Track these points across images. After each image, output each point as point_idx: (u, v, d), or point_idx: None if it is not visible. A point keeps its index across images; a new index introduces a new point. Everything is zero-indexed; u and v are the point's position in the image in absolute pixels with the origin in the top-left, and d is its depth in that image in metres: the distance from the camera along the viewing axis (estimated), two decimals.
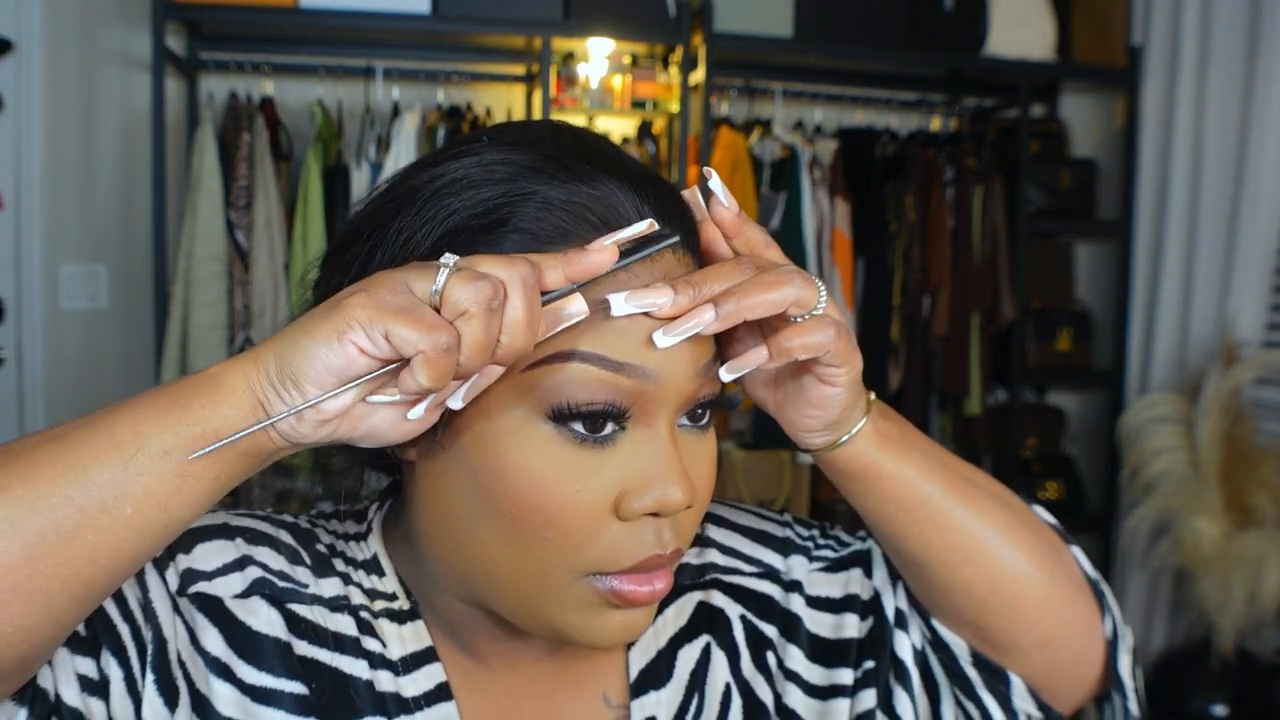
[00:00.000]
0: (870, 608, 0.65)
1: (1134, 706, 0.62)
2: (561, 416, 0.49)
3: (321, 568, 0.59)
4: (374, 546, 0.61)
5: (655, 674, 0.63)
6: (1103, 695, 0.63)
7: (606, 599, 0.52)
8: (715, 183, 0.54)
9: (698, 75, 2.77)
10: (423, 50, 2.86)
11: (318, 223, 2.59)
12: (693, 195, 0.55)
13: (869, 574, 0.66)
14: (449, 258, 0.45)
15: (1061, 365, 3.14)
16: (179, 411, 0.45)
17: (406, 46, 2.86)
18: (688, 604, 0.65)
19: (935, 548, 0.58)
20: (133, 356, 2.80)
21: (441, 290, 0.44)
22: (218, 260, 2.54)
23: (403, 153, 2.60)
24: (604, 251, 0.47)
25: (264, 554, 0.58)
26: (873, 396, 0.57)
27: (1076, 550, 0.63)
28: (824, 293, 0.51)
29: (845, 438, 0.56)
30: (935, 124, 3.19)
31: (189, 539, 0.57)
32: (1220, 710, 2.50)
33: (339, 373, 0.44)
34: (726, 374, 0.52)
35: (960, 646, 0.61)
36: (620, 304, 0.49)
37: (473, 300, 0.43)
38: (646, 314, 0.49)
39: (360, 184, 2.64)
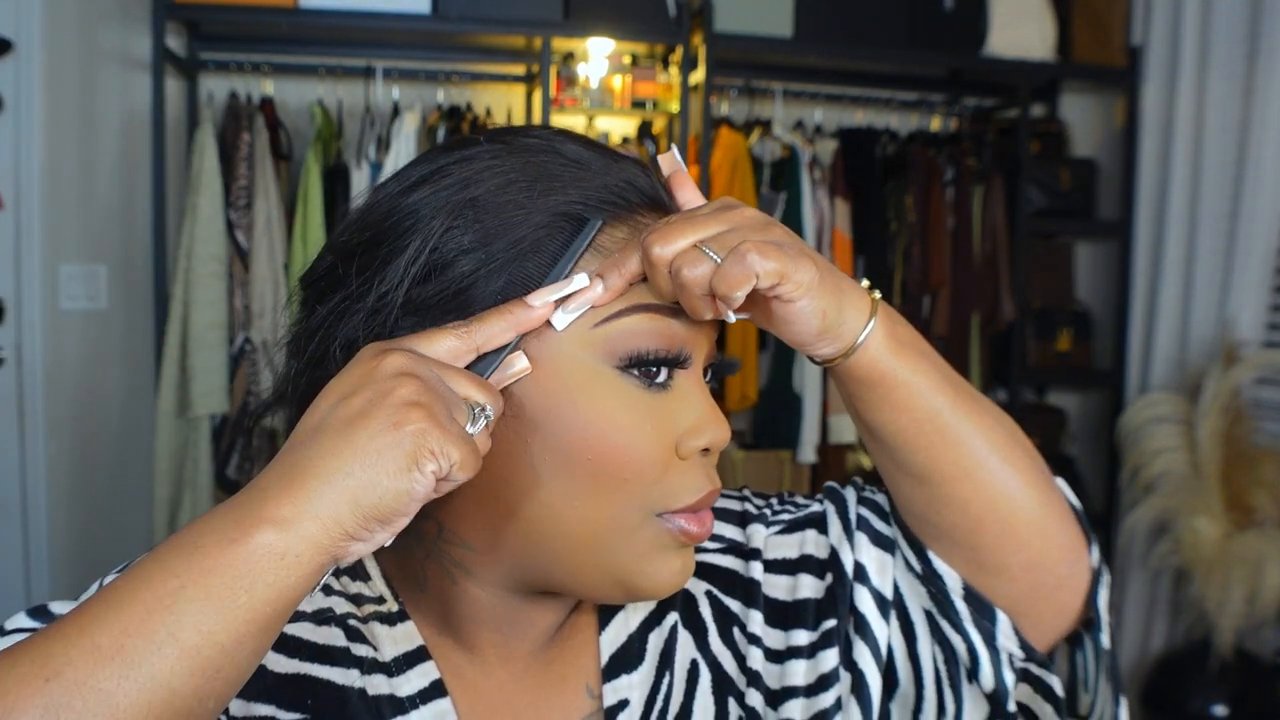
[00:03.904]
0: (828, 565, 0.66)
1: (1105, 639, 0.61)
2: (634, 363, 0.54)
3: None
4: None
5: (626, 658, 0.64)
6: (1076, 638, 0.63)
7: (675, 538, 0.56)
8: (664, 160, 0.59)
9: (698, 75, 2.77)
10: (423, 50, 2.86)
11: (318, 223, 2.59)
12: (671, 156, 0.59)
13: (824, 532, 0.67)
14: (489, 409, 0.50)
15: (1061, 365, 3.14)
16: (245, 597, 0.43)
17: (406, 46, 2.86)
18: None
19: (940, 461, 0.58)
20: (133, 356, 2.80)
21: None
22: (218, 260, 2.54)
23: (403, 152, 2.60)
24: (545, 307, 0.52)
25: None
26: (877, 296, 0.56)
27: (1061, 481, 0.64)
28: (736, 225, 0.52)
29: (860, 339, 0.55)
30: (935, 124, 3.19)
31: None
32: (1220, 710, 2.50)
33: (424, 498, 0.47)
34: (561, 323, 0.53)
35: (953, 579, 0.61)
36: (561, 318, 0.53)
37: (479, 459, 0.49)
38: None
39: (360, 184, 2.64)
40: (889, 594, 0.64)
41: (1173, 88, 2.85)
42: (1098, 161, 3.18)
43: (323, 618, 0.58)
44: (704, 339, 0.57)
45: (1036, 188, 3.07)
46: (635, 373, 0.54)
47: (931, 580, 0.62)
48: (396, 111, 2.75)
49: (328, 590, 0.60)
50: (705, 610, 0.66)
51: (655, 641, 0.65)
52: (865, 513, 0.66)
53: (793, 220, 2.81)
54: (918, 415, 0.57)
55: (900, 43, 2.86)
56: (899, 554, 0.64)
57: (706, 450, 0.57)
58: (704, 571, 0.67)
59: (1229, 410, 2.51)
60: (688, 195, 0.58)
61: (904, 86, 3.16)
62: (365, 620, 0.59)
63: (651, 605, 0.66)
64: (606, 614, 0.65)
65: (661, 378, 0.55)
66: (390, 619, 0.60)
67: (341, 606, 0.59)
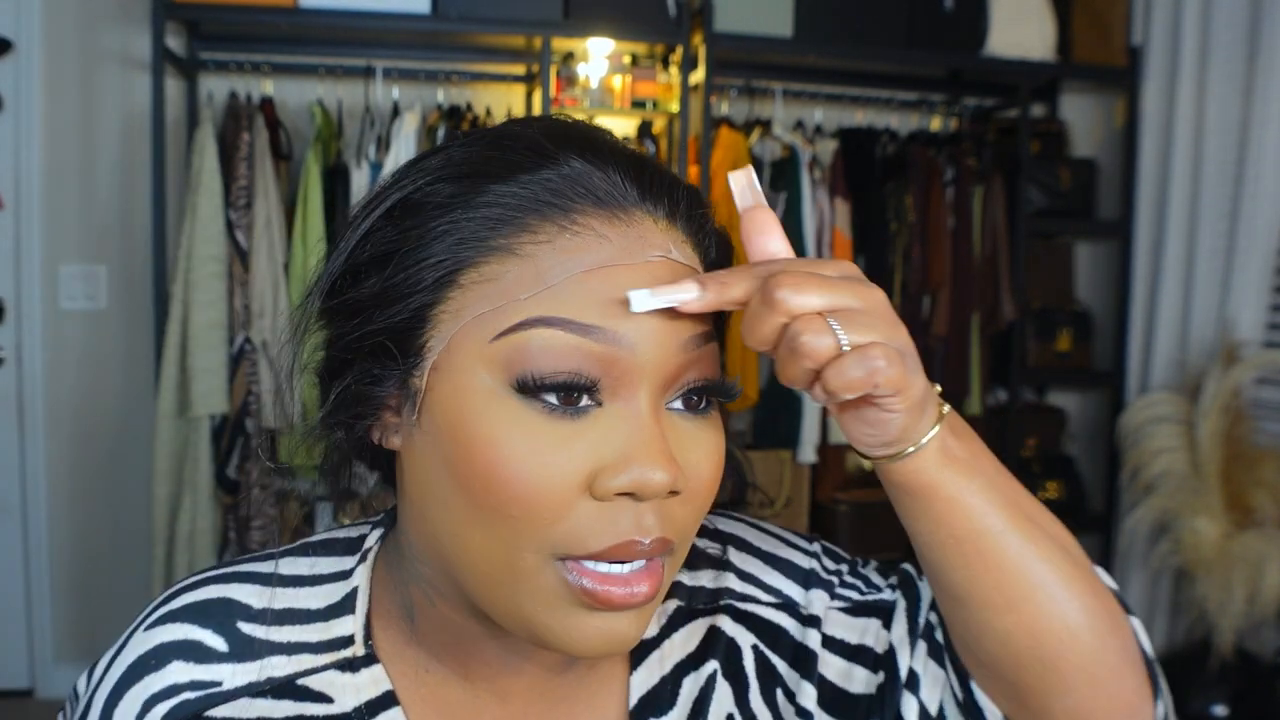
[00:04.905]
0: (882, 663, 0.60)
1: None
2: (527, 388, 0.47)
3: (243, 650, 0.55)
4: (356, 580, 0.58)
5: (657, 701, 0.60)
6: None
7: (578, 596, 0.48)
8: (735, 181, 0.51)
9: (698, 75, 2.77)
10: (423, 50, 2.86)
11: (318, 223, 2.59)
12: (747, 181, 0.51)
13: (887, 626, 0.61)
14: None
15: (1061, 365, 3.14)
16: None
17: (406, 46, 2.86)
18: (698, 629, 0.63)
19: (980, 586, 0.51)
20: (133, 356, 2.80)
21: None
22: (218, 260, 2.54)
23: (403, 152, 2.60)
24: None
25: (172, 672, 0.54)
26: (946, 409, 0.50)
27: (1135, 623, 0.56)
28: (867, 307, 0.46)
29: (910, 450, 0.49)
30: (935, 124, 3.19)
31: None
32: (1220, 710, 2.50)
33: None
34: (638, 303, 0.47)
35: (994, 715, 0.56)
36: (642, 299, 0.47)
37: None
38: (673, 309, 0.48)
39: (360, 184, 2.64)
40: (934, 711, 0.58)
41: (1173, 88, 2.85)
42: (1098, 161, 3.18)
43: (258, 689, 0.55)
44: (650, 363, 0.48)
45: (1036, 188, 3.07)
46: (551, 396, 0.47)
47: (971, 712, 0.57)
48: (396, 111, 2.75)
49: (275, 648, 0.56)
50: (749, 664, 0.62)
51: (690, 687, 0.61)
52: (934, 619, 0.60)
53: (793, 220, 2.81)
54: (958, 533, 0.51)
55: (900, 43, 2.86)
56: (949, 673, 0.58)
57: (633, 495, 0.48)
58: (752, 623, 0.63)
59: (1229, 410, 2.51)
60: (774, 245, 0.49)
61: (904, 86, 3.16)
62: (321, 670, 0.56)
63: (690, 647, 0.62)
64: (639, 652, 0.61)
65: (584, 402, 0.48)
66: (353, 665, 0.56)
67: (287, 667, 0.55)
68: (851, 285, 0.46)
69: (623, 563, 0.48)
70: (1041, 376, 3.19)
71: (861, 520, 2.91)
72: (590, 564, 0.48)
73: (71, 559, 2.84)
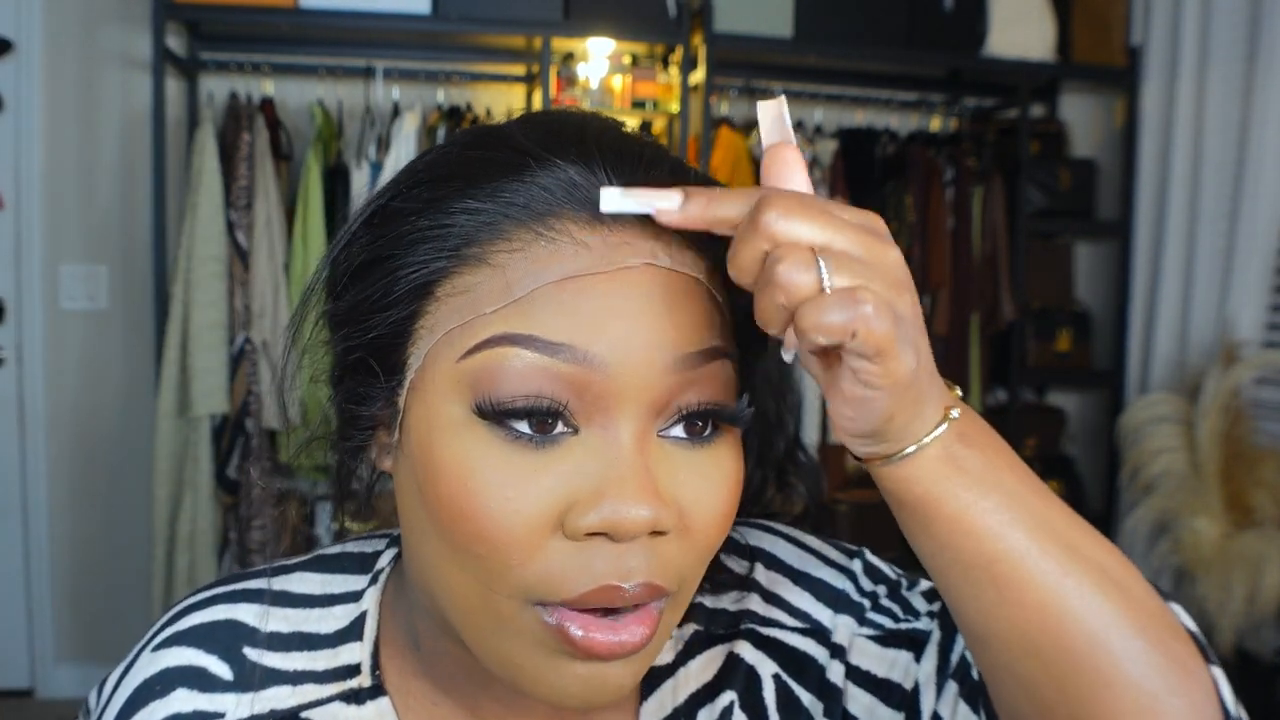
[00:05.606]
0: (907, 702, 0.55)
1: None
2: (486, 414, 0.43)
3: (248, 679, 0.53)
4: (366, 603, 0.55)
5: None
6: None
7: (559, 643, 0.44)
8: (765, 112, 0.44)
9: (698, 75, 2.77)
10: (423, 50, 2.86)
11: (318, 223, 2.59)
12: (775, 108, 0.45)
13: (919, 659, 0.55)
14: None
15: (1061, 365, 3.14)
16: None
17: (406, 46, 2.86)
18: (716, 656, 0.58)
19: (998, 621, 0.43)
20: (133, 356, 2.80)
21: None
22: (218, 260, 2.54)
23: (403, 153, 2.60)
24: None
25: (176, 700, 0.52)
26: (955, 414, 0.43)
27: (1217, 673, 0.45)
28: (870, 259, 0.39)
29: (905, 452, 0.42)
30: (935, 124, 3.19)
31: None
32: None
33: None
34: (607, 203, 0.42)
35: None
36: (612, 198, 0.41)
37: None
38: (649, 215, 0.42)
39: (360, 184, 2.64)
40: None
41: (1173, 88, 2.85)
42: (1098, 161, 3.18)
43: None
44: (631, 385, 0.43)
45: (1036, 188, 3.07)
46: (521, 423, 0.43)
47: None
48: (396, 111, 2.75)
49: (280, 678, 0.53)
50: (769, 695, 0.57)
51: None
52: (970, 657, 0.53)
53: None
54: (965, 558, 0.43)
55: (900, 43, 2.86)
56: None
57: (607, 535, 0.43)
58: (774, 650, 0.58)
59: (1229, 410, 2.51)
60: (796, 185, 0.43)
61: (904, 86, 3.16)
62: (327, 701, 0.53)
63: (706, 677, 0.57)
64: (651, 682, 0.57)
65: (558, 429, 0.43)
66: (359, 696, 0.53)
67: (292, 699, 0.53)
68: (861, 233, 0.39)
69: (605, 611, 0.44)
70: (1041, 376, 3.19)
71: (861, 520, 2.91)
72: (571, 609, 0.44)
73: (71, 559, 2.84)
